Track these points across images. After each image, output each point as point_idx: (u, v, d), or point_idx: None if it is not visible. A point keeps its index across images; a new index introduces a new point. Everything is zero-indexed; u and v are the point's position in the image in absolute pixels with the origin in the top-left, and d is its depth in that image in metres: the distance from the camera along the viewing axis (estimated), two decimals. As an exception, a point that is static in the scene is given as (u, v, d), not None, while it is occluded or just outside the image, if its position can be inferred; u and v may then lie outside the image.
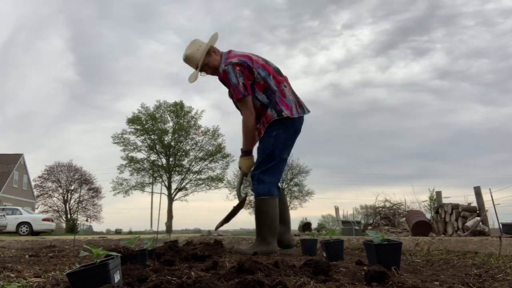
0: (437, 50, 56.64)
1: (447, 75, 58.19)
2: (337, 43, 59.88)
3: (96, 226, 41.40)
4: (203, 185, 36.46)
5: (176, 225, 37.75)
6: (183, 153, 36.27)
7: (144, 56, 57.12)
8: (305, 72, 59.75)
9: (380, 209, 11.09)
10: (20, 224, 19.41)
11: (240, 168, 3.45)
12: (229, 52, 3.39)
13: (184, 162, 36.46)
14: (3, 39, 58.46)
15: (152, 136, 35.67)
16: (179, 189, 36.40)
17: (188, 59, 3.41)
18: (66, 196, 40.51)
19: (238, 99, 3.25)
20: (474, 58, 57.10)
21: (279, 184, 3.52)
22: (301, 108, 3.35)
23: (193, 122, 36.51)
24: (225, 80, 3.28)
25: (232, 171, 35.79)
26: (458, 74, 57.30)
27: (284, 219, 3.47)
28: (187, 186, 36.56)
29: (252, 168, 3.37)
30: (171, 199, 35.62)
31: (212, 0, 58.18)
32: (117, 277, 1.38)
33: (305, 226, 12.39)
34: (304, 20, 57.46)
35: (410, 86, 58.24)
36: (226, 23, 56.92)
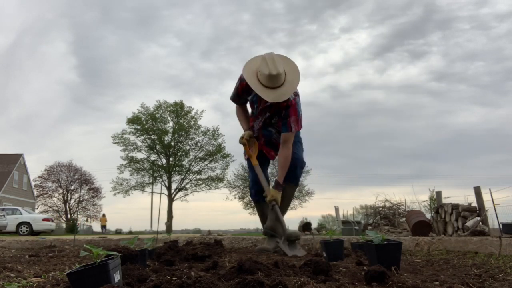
0: (433, 53, 56.75)
1: (444, 77, 58.34)
2: (335, 47, 60.11)
3: (96, 226, 41.28)
4: (203, 185, 36.44)
5: (176, 225, 37.74)
6: (183, 153, 36.23)
7: (145, 59, 57.27)
8: (303, 75, 59.49)
9: (380, 209, 11.08)
10: (20, 224, 19.38)
11: (274, 200, 3.17)
12: None
13: (184, 162, 36.43)
14: (8, 43, 58.74)
15: (152, 136, 35.63)
16: (179, 189, 36.36)
17: (288, 81, 2.99)
18: (66, 196, 40.51)
19: (296, 131, 3.15)
20: (470, 61, 57.29)
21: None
22: None
23: (193, 122, 36.51)
24: (290, 109, 3.08)
25: (232, 171, 35.73)
26: (454, 76, 57.48)
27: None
28: (187, 186, 36.55)
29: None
30: (171, 199, 35.59)
31: (212, 4, 58.30)
32: (117, 277, 1.38)
33: (305, 226, 12.39)
34: (303, 24, 57.64)
35: (407, 88, 58.44)
36: (225, 26, 57.09)
